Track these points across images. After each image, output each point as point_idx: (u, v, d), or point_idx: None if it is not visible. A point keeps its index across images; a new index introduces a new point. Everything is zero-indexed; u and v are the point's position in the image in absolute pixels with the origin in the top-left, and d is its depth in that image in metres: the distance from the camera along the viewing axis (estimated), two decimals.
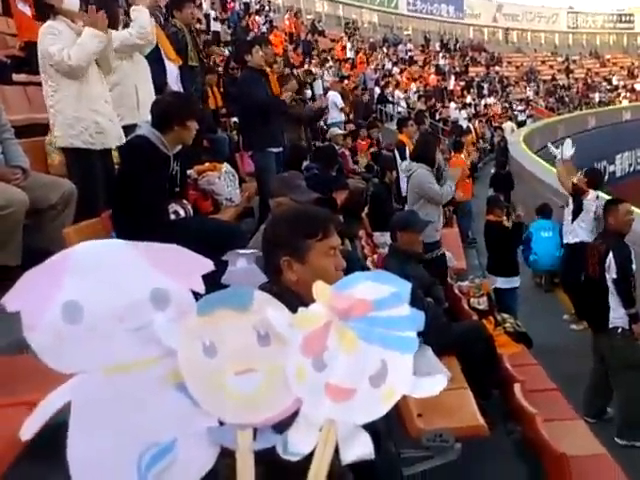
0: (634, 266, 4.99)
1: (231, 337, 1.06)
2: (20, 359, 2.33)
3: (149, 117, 3.79)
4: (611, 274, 4.95)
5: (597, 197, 7.15)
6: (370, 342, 1.07)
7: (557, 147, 7.88)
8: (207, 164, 5.47)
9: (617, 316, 4.96)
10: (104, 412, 1.00)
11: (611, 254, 4.96)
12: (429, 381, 1.07)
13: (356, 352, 1.06)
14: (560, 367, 5.20)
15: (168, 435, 1.01)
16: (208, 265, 1.06)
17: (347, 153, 9.71)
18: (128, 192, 3.61)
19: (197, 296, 1.07)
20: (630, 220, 5.22)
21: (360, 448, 1.03)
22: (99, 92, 4.05)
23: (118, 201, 3.71)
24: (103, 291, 1.01)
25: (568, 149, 7.69)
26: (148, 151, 3.63)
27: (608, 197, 7.80)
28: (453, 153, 10.83)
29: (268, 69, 6.66)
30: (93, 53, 3.92)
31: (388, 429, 1.56)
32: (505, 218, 7.03)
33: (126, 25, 4.88)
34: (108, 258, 1.02)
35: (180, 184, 4.02)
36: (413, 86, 23.77)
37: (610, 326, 4.98)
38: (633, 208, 5.45)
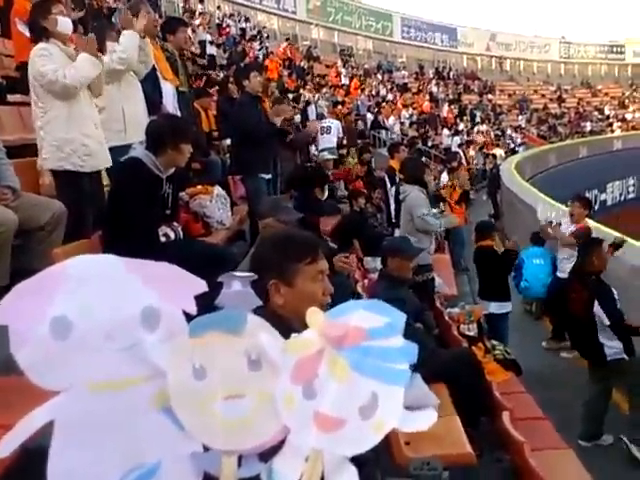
0: (619, 304, 5.05)
1: (221, 361, 1.05)
2: (8, 380, 2.31)
3: (136, 139, 3.81)
4: (604, 321, 4.99)
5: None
6: (362, 373, 1.06)
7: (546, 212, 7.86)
8: (199, 186, 5.48)
9: (613, 349, 5.00)
10: (87, 431, 0.98)
11: (596, 303, 5.01)
12: (419, 415, 1.07)
13: (347, 382, 1.05)
14: (549, 395, 5.19)
15: (152, 457, 1.00)
16: (201, 286, 1.05)
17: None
18: (119, 213, 3.60)
19: (188, 317, 1.06)
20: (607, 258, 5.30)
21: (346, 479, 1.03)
22: (88, 114, 4.05)
23: (109, 222, 3.70)
24: (93, 307, 1.00)
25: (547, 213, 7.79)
26: (140, 172, 3.63)
27: (598, 225, 7.88)
28: (447, 180, 10.91)
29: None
30: (88, 77, 3.94)
31: (375, 456, 1.55)
32: (495, 243, 7.04)
33: None
34: (100, 273, 1.02)
35: (172, 207, 4.03)
36: (405, 113, 23.95)
37: (609, 358, 5.02)
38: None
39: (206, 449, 1.02)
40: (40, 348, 0.97)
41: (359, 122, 18.02)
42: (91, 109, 4.11)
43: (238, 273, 1.11)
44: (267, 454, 1.04)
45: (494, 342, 5.58)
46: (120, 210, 3.61)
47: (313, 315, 1.10)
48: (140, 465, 0.99)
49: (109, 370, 1.00)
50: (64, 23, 4.01)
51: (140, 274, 1.03)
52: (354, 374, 1.06)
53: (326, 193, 5.25)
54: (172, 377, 1.02)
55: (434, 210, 6.35)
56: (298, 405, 1.05)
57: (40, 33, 3.99)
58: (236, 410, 1.03)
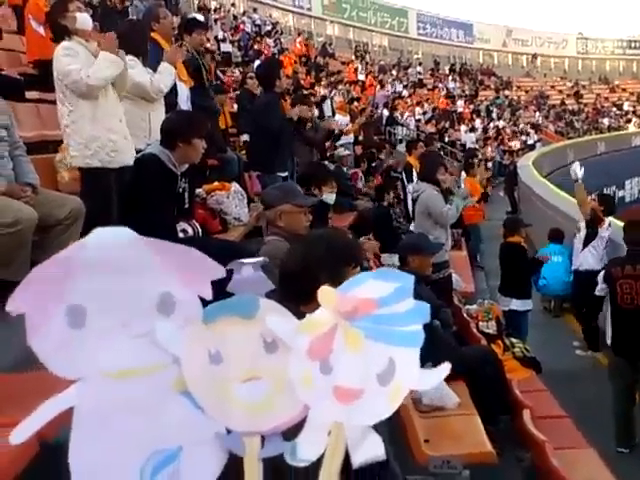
0: None
1: (237, 345, 1.05)
2: (26, 376, 2.31)
3: None
4: None
5: (609, 224, 7.11)
6: (376, 340, 1.07)
7: (581, 166, 7.53)
8: (216, 183, 5.47)
9: None
10: (107, 418, 0.98)
11: None
12: (433, 373, 1.07)
13: (362, 351, 1.06)
14: (569, 393, 5.13)
15: (173, 442, 1.00)
16: (220, 271, 1.04)
17: (359, 174, 9.68)
18: (136, 208, 3.62)
19: (204, 302, 1.06)
20: None
21: (370, 449, 1.03)
22: (114, 111, 4.08)
23: (126, 217, 3.71)
24: (109, 293, 0.99)
25: (578, 171, 7.58)
26: (156, 168, 3.68)
27: (620, 223, 7.77)
28: (465, 176, 10.81)
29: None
30: (111, 76, 3.96)
31: (395, 454, 1.53)
32: (523, 240, 6.99)
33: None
34: (120, 252, 1.00)
35: (188, 202, 4.05)
36: (418, 109, 23.83)
37: None
38: None
39: (229, 431, 1.03)
40: (56, 336, 0.97)
41: (374, 117, 17.94)
42: (116, 105, 4.13)
43: (247, 260, 1.11)
44: (290, 433, 1.05)
45: (513, 340, 5.53)
46: (138, 206, 3.62)
47: (324, 292, 1.10)
48: (161, 450, 0.99)
49: (127, 357, 1.00)
50: (83, 19, 4.02)
51: (158, 255, 1.02)
52: (368, 342, 1.07)
53: (334, 190, 5.14)
54: (187, 363, 1.02)
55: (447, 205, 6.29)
56: (316, 382, 1.05)
57: (61, 32, 4.01)
58: (254, 392, 1.04)
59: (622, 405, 5.09)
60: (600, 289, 5.35)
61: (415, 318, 1.08)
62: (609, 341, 5.24)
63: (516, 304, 6.69)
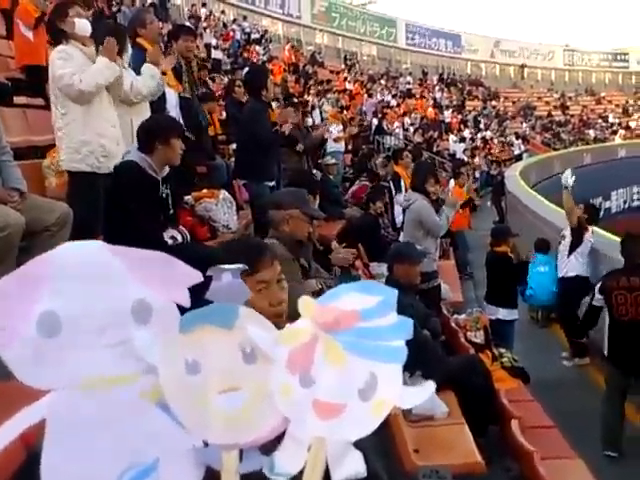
0: None
1: (215, 354, 1.02)
2: (9, 386, 2.27)
3: None
4: None
5: (592, 232, 7.19)
6: (358, 354, 1.04)
7: (573, 175, 7.60)
8: (205, 190, 5.45)
9: None
10: (81, 430, 0.95)
11: None
12: (417, 390, 1.05)
13: (344, 365, 1.04)
14: (556, 403, 5.12)
15: (150, 455, 0.97)
16: (196, 277, 1.02)
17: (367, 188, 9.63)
18: (119, 217, 3.60)
19: (182, 310, 1.03)
20: None
21: (351, 465, 1.00)
22: (107, 117, 4.07)
23: (108, 227, 3.69)
24: (82, 300, 0.96)
25: (569, 178, 7.64)
26: (137, 175, 3.66)
27: (602, 232, 7.84)
28: (453, 185, 10.86)
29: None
30: (104, 82, 3.95)
31: (384, 464, 1.52)
32: (510, 249, 7.00)
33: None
34: (90, 264, 0.98)
35: (173, 207, 4.03)
36: (407, 119, 23.93)
37: None
38: None
39: (206, 444, 1.00)
40: (28, 347, 0.94)
41: (363, 127, 17.98)
42: (109, 111, 4.12)
43: (227, 266, 1.08)
44: (269, 447, 1.02)
45: (501, 350, 5.53)
46: (120, 214, 3.60)
47: (304, 303, 1.08)
48: (137, 463, 0.96)
49: (101, 367, 0.97)
50: (82, 25, 4.03)
51: (130, 263, 0.99)
52: (350, 357, 1.04)
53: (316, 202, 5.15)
54: (164, 372, 0.99)
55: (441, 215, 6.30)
56: (296, 395, 1.03)
57: (59, 35, 4.01)
58: (233, 404, 1.01)
59: (614, 409, 5.13)
60: (597, 300, 5.39)
61: (398, 333, 1.06)
62: (606, 352, 5.27)
63: (502, 313, 6.71)
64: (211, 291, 1.05)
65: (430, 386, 1.06)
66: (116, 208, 3.66)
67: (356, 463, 1.00)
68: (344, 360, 1.04)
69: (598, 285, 5.40)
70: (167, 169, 3.80)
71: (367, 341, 1.05)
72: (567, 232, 7.36)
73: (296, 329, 1.08)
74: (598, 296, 5.33)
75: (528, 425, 4.01)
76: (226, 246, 1.91)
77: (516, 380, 5.07)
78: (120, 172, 3.77)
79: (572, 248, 7.19)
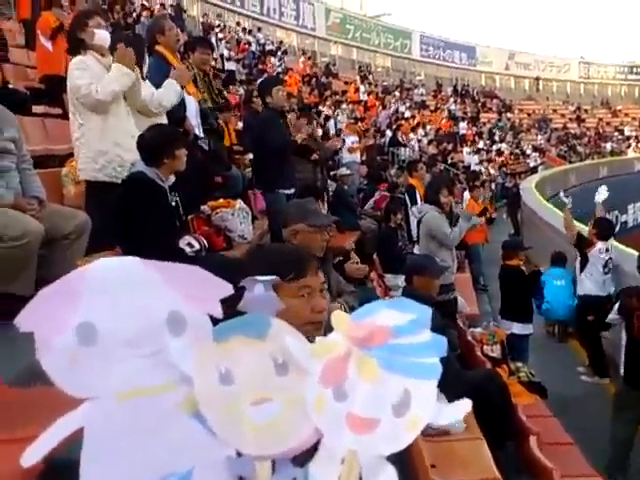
0: None
1: (248, 365, 1.02)
2: (30, 391, 2.27)
3: None
4: None
5: (607, 249, 7.06)
6: (391, 370, 1.03)
7: (567, 196, 7.80)
8: (221, 200, 5.46)
9: None
10: (117, 440, 0.95)
11: None
12: (452, 407, 1.03)
13: (377, 381, 1.03)
14: (574, 420, 5.06)
15: (184, 465, 0.97)
16: (228, 289, 1.02)
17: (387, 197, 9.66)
18: (133, 228, 3.62)
19: (214, 321, 1.03)
20: None
21: None
22: (125, 126, 4.08)
23: (122, 239, 3.71)
24: (118, 312, 0.97)
25: (603, 194, 7.66)
26: (147, 186, 3.71)
27: (622, 247, 7.75)
28: (469, 197, 10.81)
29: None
30: (120, 90, 3.96)
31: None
32: (522, 263, 6.94)
33: None
34: (125, 277, 0.99)
35: (184, 215, 4.09)
36: (421, 131, 23.92)
37: None
38: None
39: (239, 454, 0.99)
40: (66, 354, 0.95)
41: (377, 138, 18.00)
42: (128, 121, 4.13)
43: (260, 277, 1.08)
44: (302, 458, 1.01)
45: (518, 364, 5.48)
46: (133, 226, 3.62)
47: (338, 318, 1.08)
48: (171, 474, 0.96)
49: (136, 377, 0.98)
50: (102, 36, 4.05)
51: (166, 277, 1.00)
52: (384, 372, 1.03)
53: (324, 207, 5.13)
54: (198, 382, 0.99)
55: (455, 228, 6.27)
56: (329, 408, 1.02)
57: (77, 45, 4.03)
58: (265, 415, 1.01)
59: (626, 435, 5.00)
60: (611, 319, 5.30)
61: (432, 351, 1.05)
62: (622, 371, 5.14)
63: (517, 328, 6.64)
64: (244, 302, 1.06)
65: (466, 404, 1.04)
66: (130, 220, 3.68)
67: (390, 478, 0.99)
68: (378, 376, 1.03)
69: (616, 305, 5.26)
70: (173, 177, 3.85)
71: (401, 357, 1.04)
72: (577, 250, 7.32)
73: (329, 343, 1.07)
74: (614, 316, 5.23)
75: (546, 441, 3.95)
76: (276, 248, 1.90)
77: (533, 395, 5.01)
78: (130, 184, 3.79)
79: (582, 266, 7.13)
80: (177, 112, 5.02)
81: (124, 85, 3.97)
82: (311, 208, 3.53)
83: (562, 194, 7.93)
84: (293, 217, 3.36)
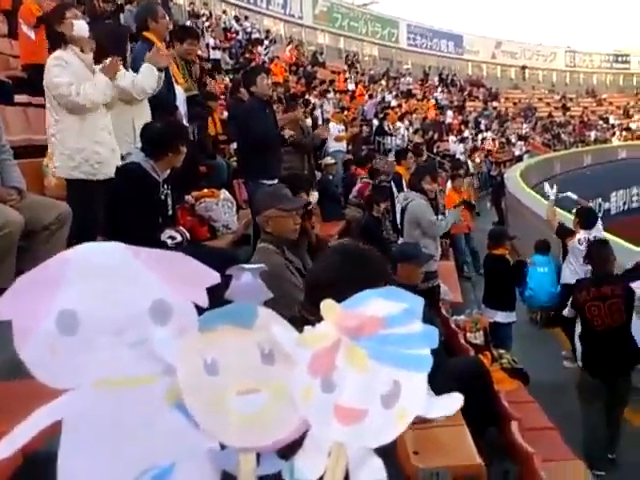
0: None
1: (234, 355, 1.00)
2: (12, 385, 2.27)
3: None
4: None
5: (588, 239, 7.10)
6: (381, 361, 1.01)
7: (552, 186, 7.85)
8: (205, 190, 5.45)
9: None
10: (97, 432, 0.93)
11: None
12: (443, 401, 1.01)
13: (367, 372, 1.01)
14: (556, 405, 5.13)
15: (166, 458, 0.95)
16: (214, 277, 1.00)
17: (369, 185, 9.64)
18: (119, 218, 3.60)
19: (200, 310, 1.01)
20: None
21: (372, 473, 0.97)
22: (102, 124, 4.05)
23: (109, 228, 3.70)
24: (101, 300, 0.95)
25: (550, 190, 7.77)
26: (140, 178, 3.69)
27: (608, 235, 7.81)
28: (450, 186, 10.83)
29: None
30: (102, 101, 3.95)
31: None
32: (507, 252, 6.98)
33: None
34: (109, 262, 0.96)
35: (172, 208, 4.06)
36: (407, 120, 23.89)
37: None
38: None
39: (223, 447, 0.98)
40: (46, 344, 0.92)
41: (364, 127, 17.98)
42: (104, 119, 4.10)
43: (247, 265, 1.06)
44: (288, 450, 0.99)
45: (501, 351, 5.53)
46: (120, 216, 3.61)
47: (327, 307, 1.05)
48: (153, 466, 0.94)
49: (119, 367, 0.96)
50: (80, 27, 4.00)
51: (150, 264, 0.98)
52: (373, 363, 1.01)
53: (314, 196, 5.11)
54: (182, 372, 0.97)
55: (440, 216, 6.30)
56: (316, 398, 1.00)
57: (58, 39, 3.98)
58: (251, 405, 0.99)
59: (597, 421, 5.04)
60: (567, 312, 5.40)
61: (423, 342, 1.02)
62: (580, 362, 5.23)
63: (500, 316, 6.67)
64: (230, 290, 1.04)
65: (458, 398, 1.03)
66: (115, 210, 3.67)
67: (377, 470, 0.97)
68: (367, 366, 1.01)
69: (571, 298, 5.33)
70: (168, 171, 3.85)
71: (391, 348, 1.02)
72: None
73: (318, 332, 1.04)
74: (569, 310, 5.33)
75: (528, 427, 3.99)
76: (365, 253, 1.74)
77: (516, 381, 5.06)
78: (122, 175, 3.78)
79: (564, 256, 7.19)
80: (168, 101, 4.99)
81: (107, 98, 3.97)
82: (281, 193, 3.55)
83: (547, 186, 7.88)
84: (264, 203, 3.39)
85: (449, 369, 4.02)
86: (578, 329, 5.24)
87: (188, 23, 17.20)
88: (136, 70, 4.58)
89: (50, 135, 4.02)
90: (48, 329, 0.92)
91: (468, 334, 5.53)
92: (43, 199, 3.60)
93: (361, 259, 1.67)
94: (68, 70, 3.88)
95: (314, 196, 5.18)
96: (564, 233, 7.21)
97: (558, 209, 7.99)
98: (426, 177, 5.71)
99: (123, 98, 4.46)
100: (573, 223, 7.24)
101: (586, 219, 7.23)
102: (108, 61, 3.99)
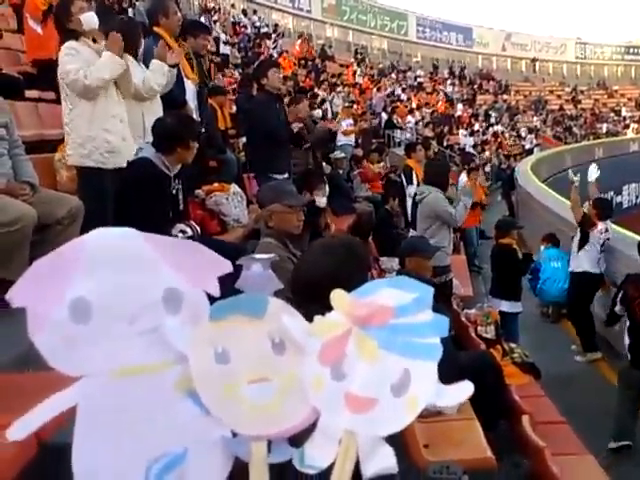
0: None
1: (244, 344, 1.02)
2: (26, 375, 2.29)
3: None
4: None
5: (606, 229, 7.11)
6: (392, 350, 1.02)
7: (575, 173, 7.75)
8: (215, 184, 5.45)
9: None
10: (111, 418, 0.95)
11: None
12: (453, 390, 1.03)
13: (377, 361, 1.02)
14: (567, 399, 5.10)
15: (179, 445, 0.97)
16: (226, 267, 1.01)
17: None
18: (129, 213, 3.61)
19: (211, 299, 1.03)
20: None
21: (382, 461, 0.98)
22: (114, 112, 4.04)
23: (118, 222, 3.71)
24: (114, 287, 0.96)
25: (594, 173, 7.69)
26: (151, 173, 3.72)
27: (617, 228, 7.78)
28: (465, 180, 10.79)
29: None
30: (110, 78, 3.93)
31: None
32: (515, 242, 6.95)
33: None
34: (122, 250, 0.97)
35: (183, 203, 4.08)
36: (417, 113, 23.81)
37: None
38: None
39: (234, 434, 0.99)
40: (60, 331, 0.93)
41: (372, 121, 17.94)
42: (118, 107, 4.10)
43: (258, 256, 1.08)
44: (298, 438, 1.01)
45: (512, 345, 5.51)
46: (130, 210, 3.62)
47: (338, 296, 1.07)
48: (166, 453, 0.96)
49: (131, 355, 0.97)
50: (89, 19, 3.99)
51: (163, 252, 0.99)
52: (383, 352, 1.03)
53: (324, 193, 5.11)
54: (194, 361, 0.99)
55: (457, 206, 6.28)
56: (327, 387, 1.02)
57: (69, 34, 3.99)
58: (262, 394, 1.01)
59: (632, 407, 5.11)
60: (618, 309, 5.48)
61: (433, 331, 1.04)
62: (628, 355, 5.30)
63: (505, 306, 6.65)
64: (241, 280, 1.05)
65: (468, 389, 1.03)
66: (125, 204, 3.68)
67: (387, 458, 0.98)
68: (377, 355, 1.02)
69: (620, 295, 5.43)
70: (179, 166, 3.86)
71: (401, 337, 1.03)
72: (578, 228, 7.34)
73: (329, 321, 1.06)
74: (619, 307, 5.42)
75: (539, 421, 3.99)
76: (357, 246, 1.78)
77: (527, 375, 5.05)
78: (132, 169, 3.80)
79: (581, 244, 7.16)
80: (178, 97, 4.99)
81: (114, 73, 3.93)
82: (286, 189, 3.57)
83: (570, 172, 7.78)
84: (268, 198, 3.41)
85: (460, 363, 4.01)
86: (627, 323, 5.33)
87: (202, 19, 17.20)
88: (146, 65, 4.59)
89: (64, 124, 4.04)
90: (62, 317, 0.93)
91: (479, 328, 5.52)
92: (55, 194, 3.62)
93: (348, 252, 1.66)
94: (78, 57, 3.90)
95: (325, 190, 5.17)
96: (587, 222, 7.17)
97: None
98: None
99: (133, 95, 4.47)
100: (589, 214, 7.22)
101: (604, 210, 7.31)
102: (109, 37, 3.98)
